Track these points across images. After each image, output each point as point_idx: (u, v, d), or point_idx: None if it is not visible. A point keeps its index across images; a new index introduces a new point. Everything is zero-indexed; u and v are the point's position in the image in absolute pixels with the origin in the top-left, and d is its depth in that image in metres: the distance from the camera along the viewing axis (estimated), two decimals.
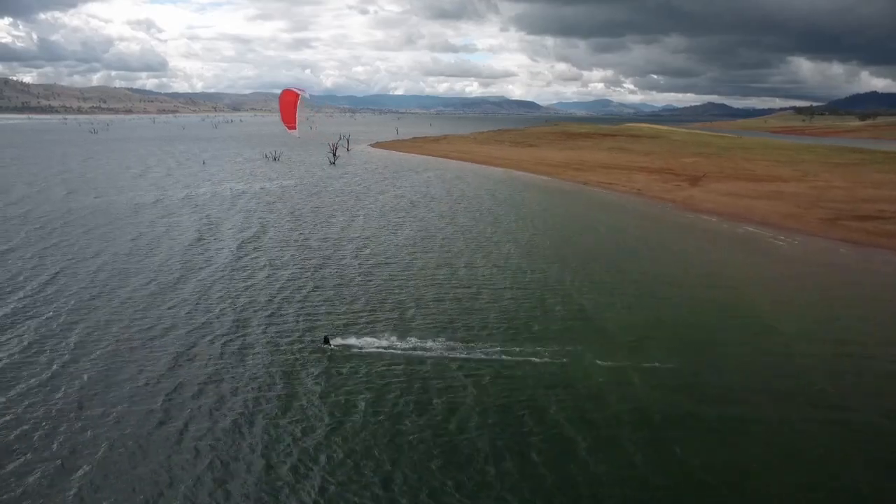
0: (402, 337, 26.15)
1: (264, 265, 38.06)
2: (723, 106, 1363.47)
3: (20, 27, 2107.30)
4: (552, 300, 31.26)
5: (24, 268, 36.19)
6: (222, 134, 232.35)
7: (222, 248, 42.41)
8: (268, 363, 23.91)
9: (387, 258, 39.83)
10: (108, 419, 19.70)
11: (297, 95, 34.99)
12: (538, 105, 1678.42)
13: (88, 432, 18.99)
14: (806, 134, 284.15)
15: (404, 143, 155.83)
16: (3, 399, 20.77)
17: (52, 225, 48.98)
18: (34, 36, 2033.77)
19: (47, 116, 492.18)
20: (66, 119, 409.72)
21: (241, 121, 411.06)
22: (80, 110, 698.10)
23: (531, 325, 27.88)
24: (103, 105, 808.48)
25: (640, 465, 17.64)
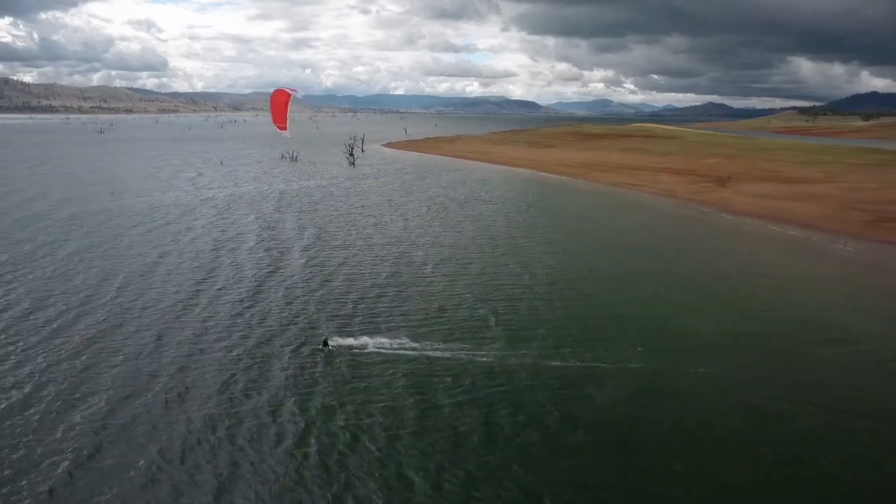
0: (513, 345, 25.55)
1: (344, 267, 37.82)
2: (723, 106, 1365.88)
3: (20, 27, 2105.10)
4: (647, 311, 30.23)
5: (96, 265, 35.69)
6: (229, 134, 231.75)
7: (290, 248, 42.30)
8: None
9: (452, 263, 39.18)
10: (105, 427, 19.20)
11: (289, 95, 34.40)
12: (538, 105, 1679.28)
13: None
14: (811, 134, 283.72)
15: (417, 143, 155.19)
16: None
17: (110, 225, 48.52)
18: (35, 35, 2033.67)
19: (49, 116, 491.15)
20: (68, 119, 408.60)
21: (244, 121, 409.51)
22: (80, 110, 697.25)
23: (644, 335, 26.93)
24: (104, 105, 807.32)
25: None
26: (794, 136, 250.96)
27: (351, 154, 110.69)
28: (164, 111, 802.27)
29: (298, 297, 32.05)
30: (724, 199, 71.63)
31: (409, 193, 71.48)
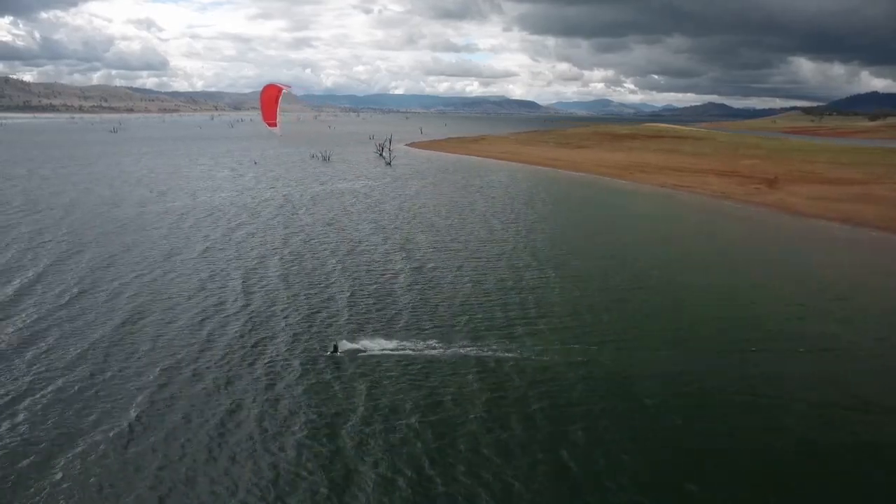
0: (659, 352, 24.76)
1: (460, 272, 36.73)
2: (723, 106, 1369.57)
3: (21, 26, 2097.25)
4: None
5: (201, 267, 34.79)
6: (241, 133, 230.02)
7: (391, 252, 41.33)
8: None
9: (568, 268, 38.38)
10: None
11: (280, 90, 33.68)
12: (538, 105, 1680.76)
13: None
14: (819, 134, 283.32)
15: (441, 143, 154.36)
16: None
17: (182, 225, 47.58)
18: (36, 34, 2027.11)
19: (52, 115, 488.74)
20: (74, 118, 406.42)
21: (250, 120, 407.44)
22: (81, 109, 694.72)
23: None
24: (104, 104, 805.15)
25: None
26: (804, 136, 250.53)
27: (384, 153, 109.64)
28: (164, 110, 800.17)
29: (447, 302, 31.14)
30: (782, 201, 70.94)
31: (466, 193, 70.64)
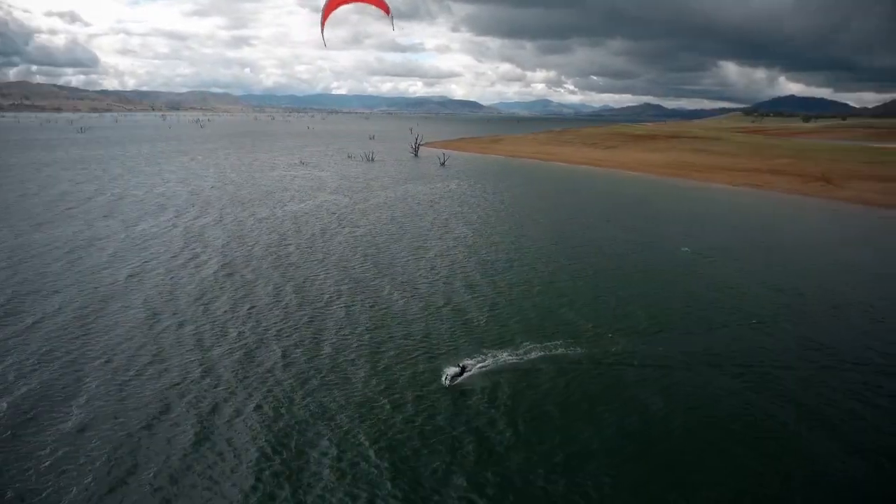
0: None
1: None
2: (658, 107, 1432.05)
3: None
4: None
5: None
6: (222, 132, 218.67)
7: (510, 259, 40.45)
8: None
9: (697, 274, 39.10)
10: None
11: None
12: (481, 105, 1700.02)
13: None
14: (770, 134, 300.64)
15: (459, 143, 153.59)
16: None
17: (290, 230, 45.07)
18: None
19: None
20: (17, 117, 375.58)
21: (208, 120, 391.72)
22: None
23: None
24: (26, 102, 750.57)
25: None
26: (755, 135, 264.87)
27: (417, 152, 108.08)
28: (95, 109, 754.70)
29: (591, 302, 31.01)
30: (860, 197, 75.21)
31: (543, 198, 70.02)
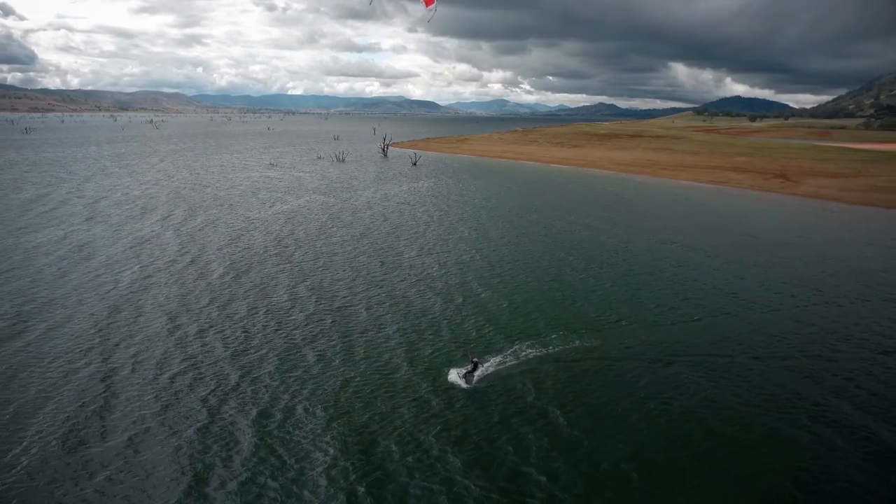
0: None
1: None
2: (612, 106, 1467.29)
3: None
4: None
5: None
6: (178, 133, 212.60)
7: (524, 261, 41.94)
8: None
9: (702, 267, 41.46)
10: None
11: None
12: (438, 105, 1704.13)
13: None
14: (722, 133, 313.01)
15: (427, 143, 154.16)
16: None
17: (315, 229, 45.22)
18: None
19: None
20: None
21: (162, 121, 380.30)
22: None
23: None
24: None
25: None
26: (713, 134, 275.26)
27: (386, 151, 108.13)
28: (36, 109, 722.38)
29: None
30: (817, 192, 79.52)
31: (529, 194, 71.84)
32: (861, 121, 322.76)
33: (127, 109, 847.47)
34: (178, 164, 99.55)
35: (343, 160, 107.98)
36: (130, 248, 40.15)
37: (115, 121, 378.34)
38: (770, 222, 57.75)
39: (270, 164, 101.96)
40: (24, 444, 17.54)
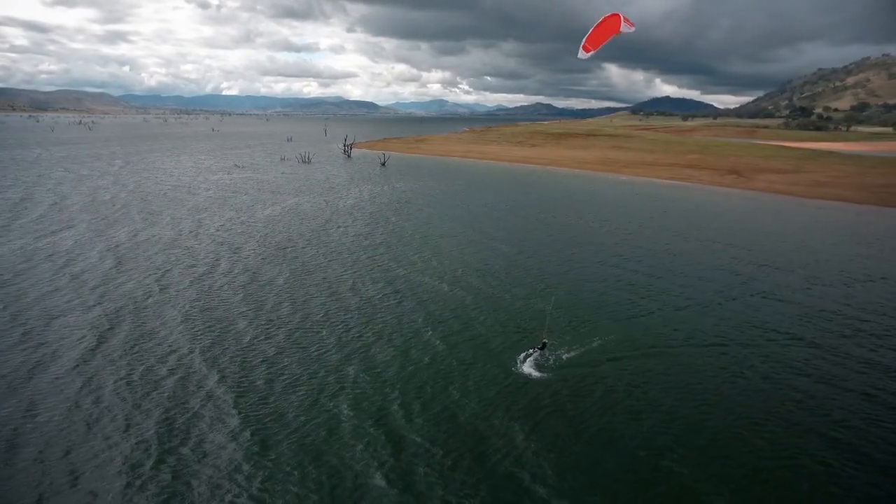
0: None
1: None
2: (550, 106, 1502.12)
3: None
4: None
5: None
6: (114, 134, 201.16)
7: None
8: None
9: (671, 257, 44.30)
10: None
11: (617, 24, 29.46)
12: (377, 105, 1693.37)
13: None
14: (660, 131, 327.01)
15: (386, 143, 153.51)
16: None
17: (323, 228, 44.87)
18: None
19: None
20: None
21: (93, 122, 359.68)
22: None
23: None
24: None
25: None
26: (661, 133, 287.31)
27: (350, 152, 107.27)
28: None
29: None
30: (770, 187, 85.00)
31: (505, 194, 73.68)
32: (781, 121, 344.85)
33: (46, 110, 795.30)
34: (136, 167, 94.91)
35: (309, 161, 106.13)
36: (124, 256, 38.37)
37: (38, 122, 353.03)
38: (752, 217, 61.22)
39: (236, 165, 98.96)
40: None
